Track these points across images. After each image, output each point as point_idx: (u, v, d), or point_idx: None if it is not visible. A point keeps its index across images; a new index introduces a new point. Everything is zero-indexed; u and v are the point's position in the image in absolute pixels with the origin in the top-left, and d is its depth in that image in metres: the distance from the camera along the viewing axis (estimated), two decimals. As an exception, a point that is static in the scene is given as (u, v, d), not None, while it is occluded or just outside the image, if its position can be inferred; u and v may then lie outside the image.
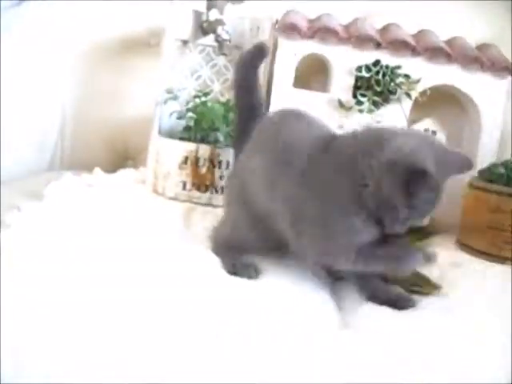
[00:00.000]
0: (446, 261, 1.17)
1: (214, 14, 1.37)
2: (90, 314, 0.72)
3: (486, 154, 1.39)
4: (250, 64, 1.08)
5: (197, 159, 1.27)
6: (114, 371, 0.66)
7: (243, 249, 0.98)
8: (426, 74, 1.35)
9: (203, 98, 1.35)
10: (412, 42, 1.35)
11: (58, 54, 1.56)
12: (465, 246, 1.26)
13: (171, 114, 1.38)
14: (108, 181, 1.34)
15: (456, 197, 1.29)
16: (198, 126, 1.30)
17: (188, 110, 1.35)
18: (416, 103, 1.36)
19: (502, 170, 1.23)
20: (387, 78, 1.32)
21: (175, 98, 1.37)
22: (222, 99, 1.45)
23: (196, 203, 1.28)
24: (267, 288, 0.91)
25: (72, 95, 1.58)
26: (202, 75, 1.47)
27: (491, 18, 1.60)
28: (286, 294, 0.90)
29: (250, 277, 0.92)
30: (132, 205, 1.21)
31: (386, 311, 0.90)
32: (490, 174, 1.25)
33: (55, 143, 1.58)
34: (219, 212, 1.18)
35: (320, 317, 0.87)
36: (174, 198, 1.29)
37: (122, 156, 1.60)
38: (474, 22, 1.59)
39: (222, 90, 1.48)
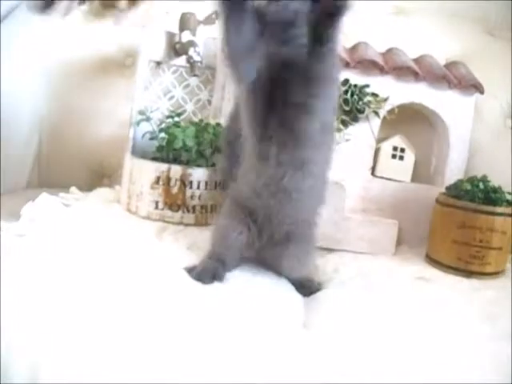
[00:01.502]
0: (414, 275, 1.24)
1: (186, 36, 1.43)
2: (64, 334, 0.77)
3: (454, 170, 1.44)
4: None
5: (168, 179, 1.31)
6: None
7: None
8: (394, 92, 1.40)
9: (176, 119, 1.40)
10: (380, 61, 1.41)
11: (33, 73, 1.60)
12: (433, 261, 1.32)
13: (144, 135, 1.42)
14: (84, 200, 1.39)
15: (426, 211, 1.37)
16: (169, 146, 1.34)
17: (161, 130, 1.39)
18: (385, 121, 1.42)
19: (468, 187, 1.29)
20: (355, 97, 1.37)
21: (148, 119, 1.42)
22: (195, 119, 1.51)
23: (168, 222, 1.32)
24: (233, 291, 0.98)
25: (48, 114, 1.63)
26: (175, 95, 1.53)
27: (463, 35, 1.67)
28: (253, 297, 0.98)
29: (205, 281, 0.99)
30: (106, 225, 1.25)
31: (347, 311, 0.98)
32: (456, 191, 1.31)
33: (32, 162, 1.63)
34: (190, 231, 1.28)
35: (285, 316, 0.95)
36: (147, 217, 1.33)
37: (99, 174, 1.64)
38: (445, 39, 1.66)
39: (194, 109, 1.55)
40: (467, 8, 1.70)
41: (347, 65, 1.39)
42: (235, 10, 0.85)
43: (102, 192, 1.48)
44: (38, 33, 1.62)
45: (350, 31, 1.59)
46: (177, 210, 1.33)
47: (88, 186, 1.54)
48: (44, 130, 1.63)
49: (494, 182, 1.43)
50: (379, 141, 1.46)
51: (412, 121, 1.49)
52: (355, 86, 1.38)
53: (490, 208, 1.25)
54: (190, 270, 1.03)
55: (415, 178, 1.48)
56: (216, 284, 1.00)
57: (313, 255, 1.13)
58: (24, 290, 0.86)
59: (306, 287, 1.09)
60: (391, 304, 1.04)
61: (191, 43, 1.42)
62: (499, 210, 1.26)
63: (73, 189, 1.45)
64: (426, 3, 1.69)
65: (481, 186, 1.28)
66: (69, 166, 1.63)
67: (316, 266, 1.18)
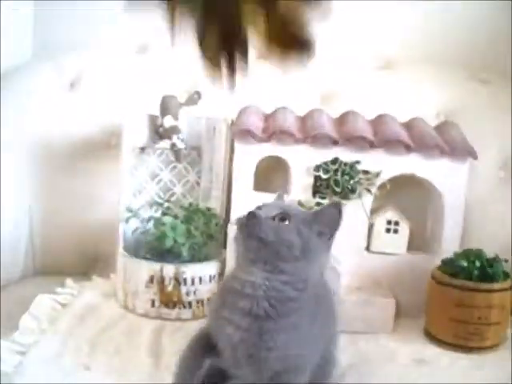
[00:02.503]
0: (414, 357, 1.25)
1: (168, 121, 1.42)
2: None
3: (449, 237, 1.44)
4: None
5: (162, 278, 1.32)
6: None
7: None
8: (385, 165, 1.40)
9: (164, 219, 1.37)
10: (370, 134, 1.40)
11: (20, 161, 1.59)
12: (431, 337, 1.33)
13: (134, 232, 1.43)
14: (80, 297, 1.38)
15: (422, 282, 1.36)
16: (161, 244, 1.34)
17: (150, 229, 1.40)
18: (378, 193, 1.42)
19: (464, 264, 1.29)
20: (346, 176, 1.37)
21: (136, 215, 1.42)
22: (184, 201, 1.51)
23: (166, 319, 1.32)
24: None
25: (37, 201, 1.62)
26: (163, 178, 1.53)
27: (450, 83, 1.65)
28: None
29: None
30: (104, 327, 1.25)
31: None
32: (452, 267, 1.31)
33: (26, 250, 1.62)
34: (188, 326, 1.27)
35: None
36: (145, 315, 1.34)
37: (93, 258, 1.64)
38: (433, 89, 1.64)
39: (183, 192, 1.54)
40: (452, 55, 1.68)
41: (336, 142, 1.39)
42: None
43: (97, 285, 1.48)
44: (20, 113, 1.61)
45: (337, 90, 1.62)
46: (173, 307, 1.33)
47: (83, 270, 1.58)
48: (33, 217, 1.62)
49: (491, 234, 1.48)
50: (372, 211, 1.45)
51: (405, 188, 1.48)
52: (345, 164, 1.38)
53: (488, 285, 1.26)
54: None
55: (411, 244, 1.48)
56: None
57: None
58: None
59: None
60: None
61: (174, 129, 1.41)
62: (497, 286, 1.27)
63: (68, 282, 1.46)
64: (410, 54, 1.67)
65: (477, 263, 1.28)
66: (62, 251, 1.63)
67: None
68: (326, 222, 0.91)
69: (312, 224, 0.90)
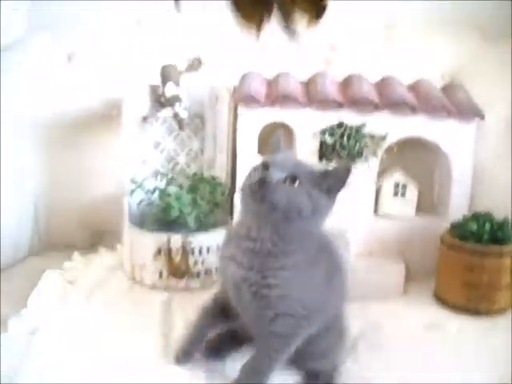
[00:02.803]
0: (424, 322, 1.25)
1: (169, 90, 1.39)
2: None
3: (458, 200, 1.44)
4: None
5: (170, 249, 1.31)
6: None
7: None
8: (391, 128, 1.38)
9: (169, 190, 1.36)
10: (375, 98, 1.38)
11: (21, 138, 1.55)
12: (441, 301, 1.33)
13: (139, 203, 1.42)
14: (87, 271, 1.38)
15: (431, 245, 1.36)
16: (166, 216, 1.33)
17: (155, 200, 1.39)
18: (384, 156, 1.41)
19: (474, 227, 1.28)
20: (352, 141, 1.34)
21: (140, 186, 1.40)
22: (189, 171, 1.49)
23: (174, 290, 1.32)
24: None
25: (41, 177, 1.59)
26: (166, 147, 1.51)
27: (457, 44, 1.60)
28: None
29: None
30: (114, 302, 1.25)
31: None
32: (461, 230, 1.30)
33: (32, 227, 1.60)
34: (197, 296, 1.24)
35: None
36: (153, 287, 1.33)
37: (99, 231, 1.63)
38: (440, 50, 1.59)
39: (187, 161, 1.52)
40: (458, 15, 1.60)
41: (340, 105, 1.37)
42: None
43: (104, 257, 1.47)
44: (18, 88, 1.56)
45: (340, 53, 1.58)
46: (181, 278, 1.33)
47: (90, 244, 1.58)
48: (38, 194, 1.60)
49: (501, 197, 1.46)
50: (380, 173, 1.44)
51: (412, 150, 1.47)
52: (351, 128, 1.36)
53: (498, 248, 1.25)
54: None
55: (419, 207, 1.47)
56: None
57: (336, 349, 1.05)
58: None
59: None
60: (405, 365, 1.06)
61: (176, 98, 1.39)
62: (507, 249, 1.26)
63: (75, 255, 1.45)
64: (415, 14, 1.59)
65: (486, 227, 1.27)
66: (68, 226, 1.61)
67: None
68: (334, 182, 0.90)
69: (321, 183, 0.89)
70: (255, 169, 0.90)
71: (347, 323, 1.06)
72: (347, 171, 0.90)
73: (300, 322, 0.92)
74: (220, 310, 1.02)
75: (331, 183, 0.89)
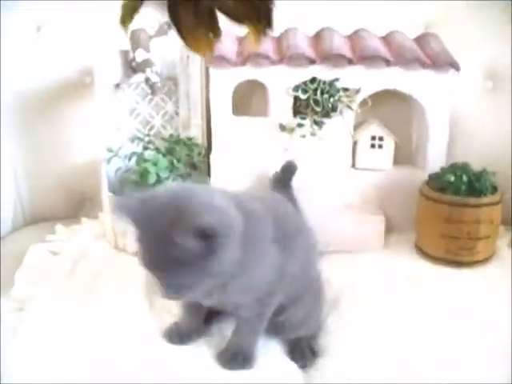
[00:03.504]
0: (405, 273, 1.26)
1: (140, 55, 1.36)
2: None
3: (435, 151, 1.42)
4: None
5: (149, 214, 1.29)
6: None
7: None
8: (365, 81, 1.35)
9: (145, 154, 1.35)
10: (347, 51, 1.34)
11: None
12: (423, 253, 1.34)
13: (116, 171, 1.40)
14: (71, 243, 1.37)
15: (410, 196, 1.36)
16: (144, 181, 1.31)
17: (132, 167, 1.37)
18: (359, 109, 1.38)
19: (452, 178, 1.27)
20: (326, 95, 1.32)
21: (117, 154, 1.38)
22: (165, 133, 1.48)
23: (156, 255, 1.31)
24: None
25: (19, 152, 1.57)
26: (141, 112, 1.49)
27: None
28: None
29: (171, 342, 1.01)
30: (99, 270, 1.25)
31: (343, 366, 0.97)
32: (439, 182, 1.30)
33: (14, 203, 1.60)
34: None
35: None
36: (136, 254, 1.31)
37: (80, 199, 1.62)
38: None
39: (163, 123, 1.51)
40: None
41: (312, 62, 1.33)
42: None
43: (86, 227, 1.47)
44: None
45: (311, 6, 1.55)
46: (162, 242, 1.33)
47: (72, 214, 1.57)
48: (18, 167, 1.59)
49: (478, 147, 1.46)
50: (356, 126, 1.42)
51: (388, 101, 1.44)
52: (324, 82, 1.33)
53: (476, 200, 1.25)
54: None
55: (396, 159, 1.45)
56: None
57: (314, 314, 1.07)
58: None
59: (302, 353, 1.04)
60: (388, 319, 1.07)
61: (147, 62, 1.36)
62: (484, 200, 1.25)
63: (58, 227, 1.45)
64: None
65: (464, 178, 1.26)
66: (50, 198, 1.61)
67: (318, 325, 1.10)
68: None
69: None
70: None
71: (323, 285, 1.08)
72: None
73: (265, 300, 0.93)
74: None
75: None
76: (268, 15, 0.72)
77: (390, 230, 1.40)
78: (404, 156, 1.48)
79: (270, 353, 0.99)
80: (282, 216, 1.00)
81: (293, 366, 0.99)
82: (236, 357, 0.95)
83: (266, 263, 0.92)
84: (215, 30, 0.77)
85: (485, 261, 1.29)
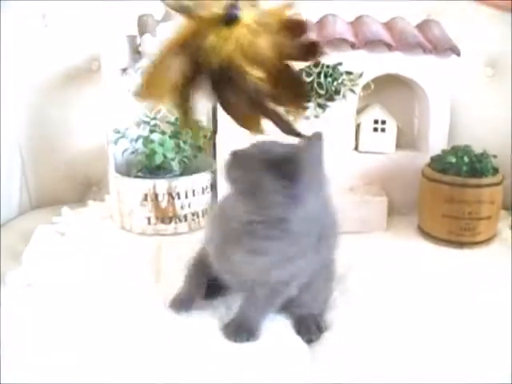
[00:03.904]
0: (407, 254, 1.28)
1: (147, 39, 1.38)
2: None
3: (437, 134, 1.45)
4: None
5: (156, 195, 1.32)
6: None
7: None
8: (367, 65, 1.37)
9: (152, 136, 1.37)
10: (350, 35, 1.37)
11: (3, 99, 1.52)
12: (425, 233, 1.36)
13: (124, 152, 1.42)
14: (77, 224, 1.39)
15: (413, 179, 1.38)
16: (151, 162, 1.35)
17: (139, 148, 1.40)
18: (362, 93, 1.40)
19: (453, 160, 1.30)
20: (329, 79, 1.34)
21: (124, 135, 1.40)
22: (171, 117, 1.47)
23: (163, 235, 1.34)
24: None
25: (26, 136, 1.58)
26: (148, 96, 1.48)
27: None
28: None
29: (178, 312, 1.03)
30: (105, 250, 1.27)
31: (348, 340, 0.98)
32: (441, 164, 1.32)
33: (20, 186, 1.60)
34: (185, 239, 1.31)
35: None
36: (142, 233, 1.35)
37: (86, 183, 1.64)
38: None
39: (169, 108, 1.48)
40: None
41: (317, 45, 1.36)
42: None
43: (93, 209, 1.48)
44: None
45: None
46: (169, 223, 1.35)
47: (79, 197, 1.60)
48: (24, 152, 1.60)
49: (479, 133, 1.47)
50: (359, 110, 1.45)
51: (390, 86, 1.46)
52: (328, 66, 1.35)
53: (477, 181, 1.27)
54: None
55: (399, 142, 1.48)
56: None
57: (324, 294, 1.08)
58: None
59: (308, 329, 1.04)
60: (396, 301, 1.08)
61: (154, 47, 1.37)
62: (485, 181, 1.27)
63: (64, 210, 1.46)
64: None
65: (465, 159, 1.28)
66: (56, 181, 1.61)
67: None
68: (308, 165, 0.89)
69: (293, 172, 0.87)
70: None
71: (335, 269, 1.08)
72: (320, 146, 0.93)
73: (283, 287, 0.95)
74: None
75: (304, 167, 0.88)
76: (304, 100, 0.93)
77: (392, 212, 1.42)
78: (406, 140, 1.51)
79: (276, 327, 1.00)
80: (328, 212, 1.02)
81: (298, 340, 0.99)
82: (241, 329, 0.96)
83: (306, 253, 0.94)
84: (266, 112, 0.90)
85: (486, 242, 1.31)
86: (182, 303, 1.03)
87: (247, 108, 0.88)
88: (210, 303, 1.05)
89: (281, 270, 0.92)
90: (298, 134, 0.92)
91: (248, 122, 0.90)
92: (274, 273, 0.92)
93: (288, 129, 0.92)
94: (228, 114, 0.89)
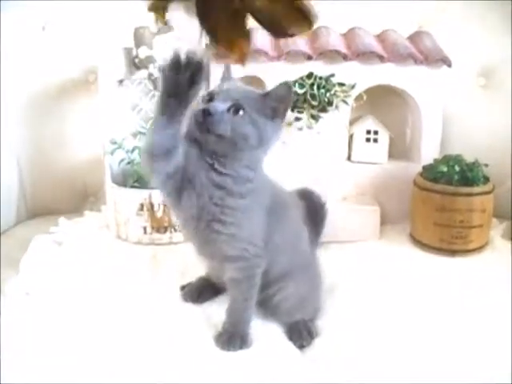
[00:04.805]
0: (400, 262, 1.28)
1: (143, 52, 1.40)
2: None
3: (429, 144, 1.46)
4: None
5: (152, 205, 1.33)
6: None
7: None
8: (360, 77, 1.39)
9: None
10: (343, 47, 1.39)
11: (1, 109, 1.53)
12: (417, 242, 1.37)
13: (120, 163, 1.43)
14: (74, 233, 1.40)
15: (405, 189, 1.39)
16: (146, 172, 1.34)
17: (135, 158, 1.40)
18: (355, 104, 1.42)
19: (444, 169, 1.31)
20: (322, 90, 1.35)
21: (120, 146, 1.41)
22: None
23: (158, 244, 1.35)
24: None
25: (23, 146, 1.59)
26: (143, 108, 1.51)
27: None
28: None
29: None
30: (102, 259, 1.28)
31: (339, 345, 0.99)
32: (433, 173, 1.33)
33: (18, 196, 1.61)
34: (180, 248, 1.31)
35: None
36: (138, 243, 1.36)
37: (83, 194, 1.65)
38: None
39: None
40: None
41: (309, 58, 1.38)
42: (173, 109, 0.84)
43: (89, 219, 1.49)
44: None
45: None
46: (165, 232, 1.35)
47: (75, 208, 1.59)
48: (22, 162, 1.60)
49: (472, 142, 1.49)
50: (352, 121, 1.46)
51: (383, 97, 1.48)
52: (320, 77, 1.36)
53: (468, 189, 1.28)
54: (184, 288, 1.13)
55: (392, 152, 1.49)
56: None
57: (311, 298, 1.09)
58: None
59: (300, 334, 1.05)
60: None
61: (150, 59, 1.40)
62: (477, 190, 1.28)
63: (61, 220, 1.46)
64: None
65: (456, 168, 1.29)
66: (53, 191, 1.62)
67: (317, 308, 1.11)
68: (278, 103, 0.90)
69: (265, 108, 0.91)
70: (202, 99, 0.90)
71: (320, 270, 1.10)
72: (288, 89, 0.91)
73: (253, 261, 0.96)
74: None
75: (275, 105, 0.90)
76: (310, 14, 0.73)
77: (385, 221, 1.43)
78: (399, 150, 1.52)
79: (269, 334, 1.01)
80: (278, 193, 1.02)
81: (291, 346, 1.00)
82: (233, 338, 0.97)
83: (256, 221, 0.95)
84: (246, 32, 0.77)
85: (478, 250, 1.32)
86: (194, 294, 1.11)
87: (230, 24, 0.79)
88: (204, 310, 1.08)
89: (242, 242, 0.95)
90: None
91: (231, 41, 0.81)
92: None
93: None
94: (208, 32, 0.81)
